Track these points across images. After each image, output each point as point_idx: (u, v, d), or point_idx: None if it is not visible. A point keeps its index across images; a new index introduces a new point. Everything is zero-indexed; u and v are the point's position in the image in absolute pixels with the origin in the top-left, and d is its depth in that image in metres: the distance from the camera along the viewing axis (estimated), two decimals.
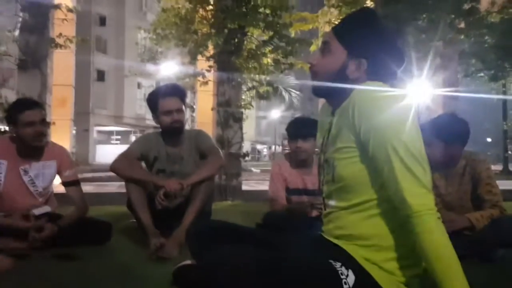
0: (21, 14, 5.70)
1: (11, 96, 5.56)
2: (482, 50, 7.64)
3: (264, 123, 46.29)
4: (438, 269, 1.23)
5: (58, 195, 2.93)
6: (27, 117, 2.51)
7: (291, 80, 16.76)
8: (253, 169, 18.23)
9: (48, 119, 2.69)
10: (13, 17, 5.76)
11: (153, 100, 2.90)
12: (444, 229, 1.27)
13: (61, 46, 5.72)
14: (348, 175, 1.37)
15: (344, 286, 1.29)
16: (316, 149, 2.92)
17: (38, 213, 2.63)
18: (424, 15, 5.53)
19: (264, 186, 8.36)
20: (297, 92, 17.55)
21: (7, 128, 5.30)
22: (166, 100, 2.84)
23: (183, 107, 2.90)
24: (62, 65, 7.14)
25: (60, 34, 5.74)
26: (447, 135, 2.39)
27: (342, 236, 1.42)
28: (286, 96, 17.23)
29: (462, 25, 6.08)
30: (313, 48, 6.71)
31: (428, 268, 1.26)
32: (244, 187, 6.49)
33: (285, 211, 2.80)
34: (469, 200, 2.53)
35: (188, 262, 1.89)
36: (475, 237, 2.36)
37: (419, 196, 1.26)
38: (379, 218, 1.36)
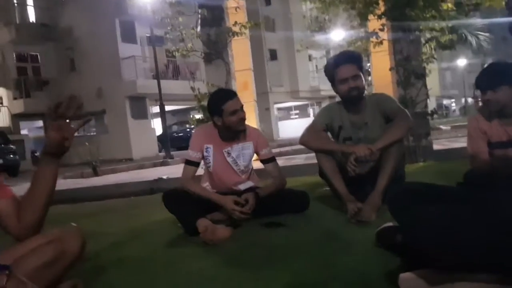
0: (199, 11, 6.29)
1: (202, 87, 6.21)
2: None
3: (449, 75, 42.22)
4: None
5: (257, 171, 3.22)
6: (231, 106, 2.78)
7: (477, 21, 14.81)
8: (442, 126, 16.92)
9: None
10: (194, 15, 6.39)
11: (329, 71, 2.93)
12: None
13: (237, 33, 6.16)
14: None
15: None
16: None
17: (243, 188, 2.95)
18: None
19: (458, 144, 7.71)
20: (486, 34, 15.42)
21: (202, 117, 6.00)
22: (341, 68, 2.84)
23: (360, 73, 2.86)
24: (240, 52, 7.67)
25: (235, 22, 6.18)
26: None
27: None
28: (473, 40, 15.29)
29: None
30: None
31: None
32: (436, 147, 6.11)
33: (489, 168, 2.56)
34: None
35: (390, 224, 1.90)
36: None
37: None
38: None
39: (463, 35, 14.15)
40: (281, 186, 2.94)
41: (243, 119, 2.83)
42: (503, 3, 6.26)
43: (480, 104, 2.73)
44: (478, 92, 2.61)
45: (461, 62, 35.30)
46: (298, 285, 1.58)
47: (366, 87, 2.95)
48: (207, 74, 6.61)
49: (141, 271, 2.05)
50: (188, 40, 6.31)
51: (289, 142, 16.13)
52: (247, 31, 6.48)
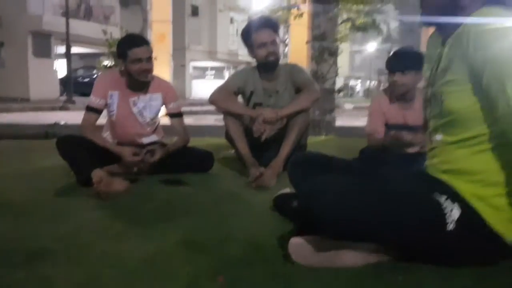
0: None
1: (115, 32, 5.85)
2: None
3: (359, 57, 44.33)
4: None
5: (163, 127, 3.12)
6: (135, 54, 2.62)
7: (391, 10, 15.66)
8: (346, 105, 17.81)
9: None
10: None
11: (247, 34, 2.90)
12: None
13: None
14: (457, 109, 1.29)
15: (448, 219, 1.27)
16: (419, 83, 2.76)
17: (146, 142, 2.85)
18: None
19: (358, 122, 8.17)
20: (396, 24, 16.41)
21: (112, 64, 5.66)
22: (260, 32, 2.83)
23: (277, 39, 2.88)
24: (160, 1, 7.30)
25: None
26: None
27: (448, 171, 1.37)
28: (384, 28, 16.19)
29: None
30: None
31: None
32: (338, 123, 6.41)
33: (382, 146, 2.73)
34: None
35: (287, 190, 1.95)
36: None
37: None
38: (488, 153, 1.29)
39: (376, 21, 14.91)
40: (185, 143, 2.90)
41: (147, 70, 2.68)
42: None
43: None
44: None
45: (371, 47, 37.14)
46: (189, 243, 1.57)
47: (282, 57, 2.98)
48: (122, 19, 6.23)
49: (23, 216, 1.90)
50: None
51: (201, 102, 15.96)
52: None
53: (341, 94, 6.47)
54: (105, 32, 5.54)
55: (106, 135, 2.88)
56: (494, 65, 1.16)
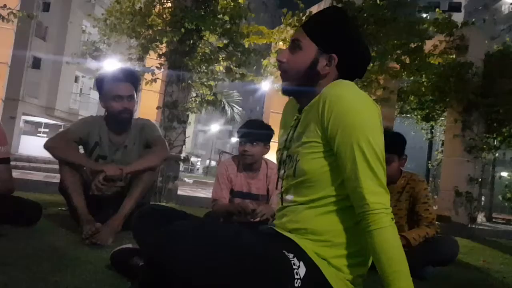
0: None
1: None
2: (420, 89, 8.04)
3: (202, 137, 46.05)
4: (387, 268, 1.25)
5: None
6: None
7: (235, 95, 16.90)
8: (186, 179, 17.92)
9: None
10: None
11: (103, 82, 2.74)
12: (397, 230, 1.30)
13: (3, 18, 5.31)
14: (310, 170, 1.36)
15: (296, 276, 1.28)
16: (265, 155, 2.92)
17: None
18: (375, 48, 5.74)
19: (199, 194, 8.18)
20: (240, 108, 17.70)
21: None
22: (118, 84, 2.68)
23: (135, 95, 2.77)
24: (1, 40, 6.64)
25: (5, 5, 5.33)
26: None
27: (295, 230, 1.40)
28: (229, 110, 17.31)
29: (407, 61, 6.39)
30: (265, 62, 6.76)
31: (378, 266, 1.27)
32: (179, 192, 6.34)
33: (226, 212, 2.76)
34: (405, 216, 2.64)
35: (129, 245, 1.80)
36: (409, 254, 2.44)
37: (378, 195, 1.28)
38: (334, 215, 1.36)
39: (222, 102, 15.81)
40: (8, 192, 2.53)
41: None
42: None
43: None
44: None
45: (214, 127, 38.87)
46: None
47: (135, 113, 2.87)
48: None
49: None
50: None
51: (28, 159, 14.44)
52: (15, 21, 5.68)
53: (182, 168, 6.47)
54: None
55: None
56: (345, 131, 1.28)
